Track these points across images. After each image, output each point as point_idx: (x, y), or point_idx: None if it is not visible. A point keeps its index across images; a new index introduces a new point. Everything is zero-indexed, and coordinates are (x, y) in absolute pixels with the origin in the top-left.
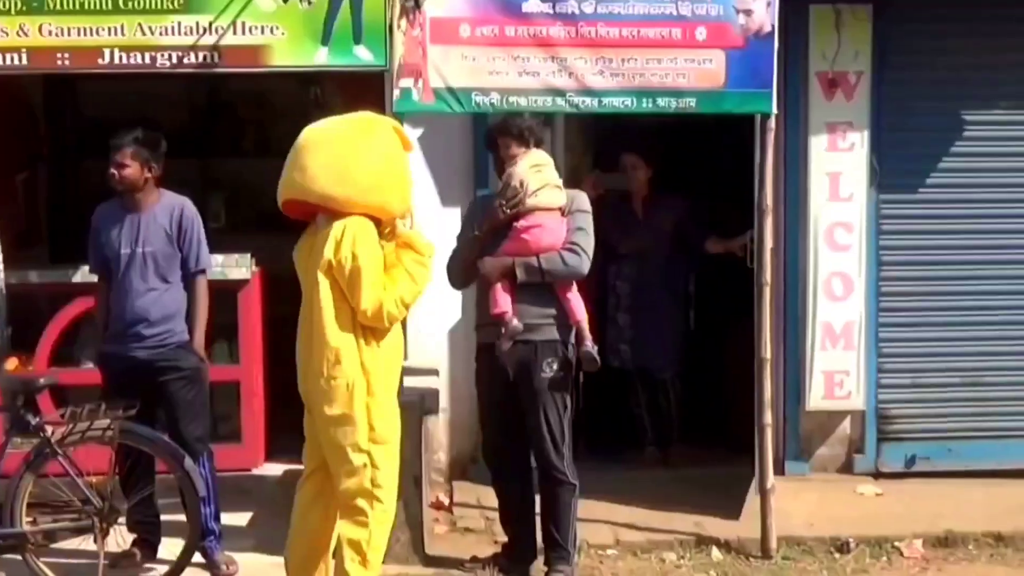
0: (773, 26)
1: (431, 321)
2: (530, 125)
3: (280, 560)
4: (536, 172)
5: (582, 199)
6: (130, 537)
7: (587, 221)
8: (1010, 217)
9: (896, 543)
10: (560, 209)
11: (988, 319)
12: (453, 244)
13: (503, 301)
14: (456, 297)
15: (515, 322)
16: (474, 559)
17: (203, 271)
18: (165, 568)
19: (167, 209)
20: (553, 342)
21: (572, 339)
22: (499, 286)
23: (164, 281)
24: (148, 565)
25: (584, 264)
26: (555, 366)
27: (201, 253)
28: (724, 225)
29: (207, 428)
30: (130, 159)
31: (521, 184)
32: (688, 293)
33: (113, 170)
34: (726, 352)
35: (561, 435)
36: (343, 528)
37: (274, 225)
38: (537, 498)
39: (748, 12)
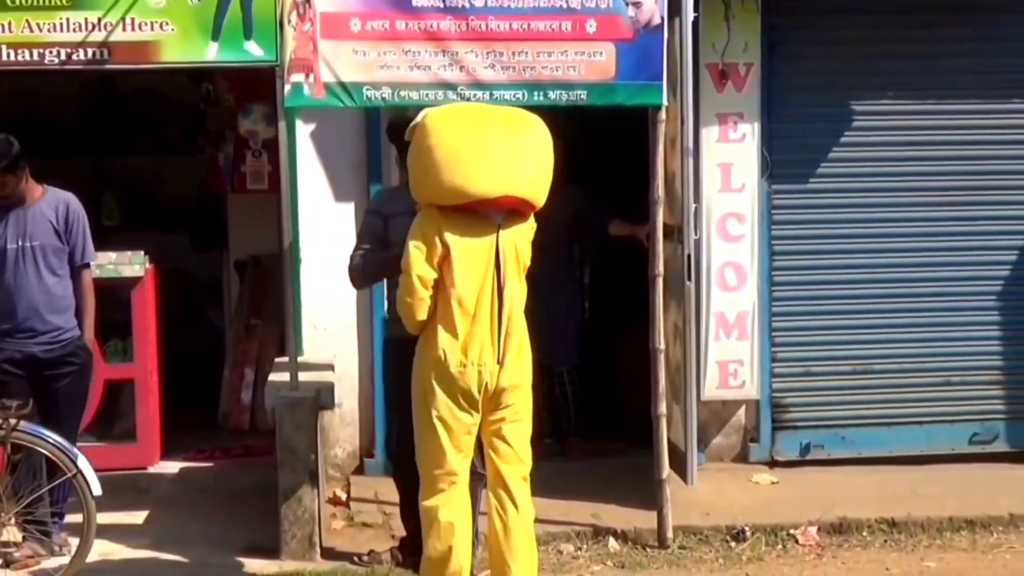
0: (662, 18)
1: (325, 315)
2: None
3: (174, 558)
4: None
5: None
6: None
7: None
8: (898, 205)
9: (791, 531)
10: None
11: (878, 307)
12: (350, 239)
13: None
14: (351, 293)
15: None
16: (371, 553)
17: (88, 265)
18: (57, 565)
19: (52, 204)
20: None
21: None
22: None
23: (53, 275)
24: (42, 564)
25: None
26: None
27: (87, 246)
28: (630, 215)
29: (80, 421)
30: (9, 176)
31: None
32: (583, 285)
33: None
34: (623, 343)
35: None
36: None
37: (167, 223)
38: None
39: (637, 5)
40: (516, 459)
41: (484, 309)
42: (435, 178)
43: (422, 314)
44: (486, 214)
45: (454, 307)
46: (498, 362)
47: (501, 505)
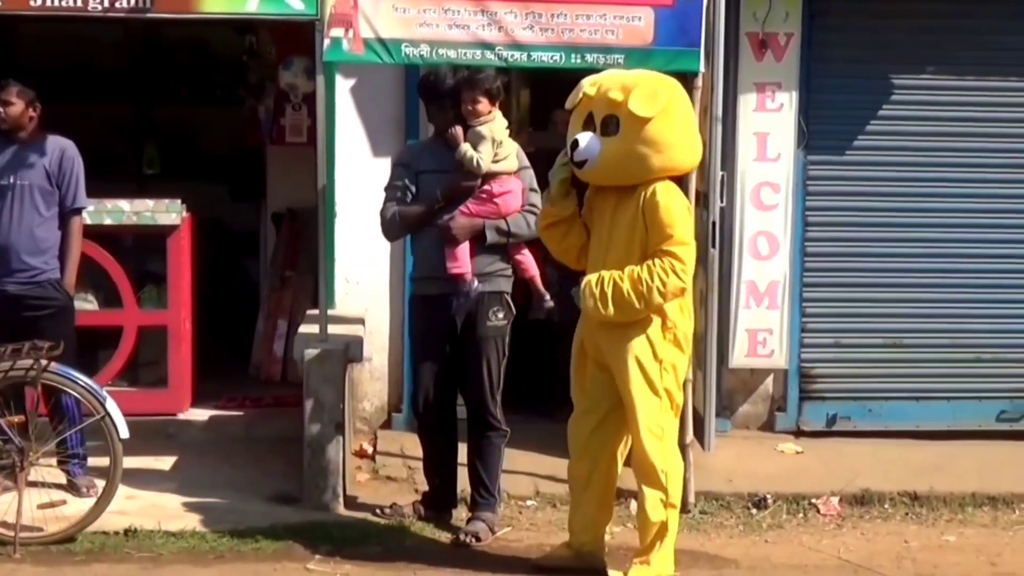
0: None
1: (359, 270)
2: (499, 83)
3: (199, 503)
4: (506, 133)
5: (523, 155)
6: (52, 475)
7: (534, 178)
8: (934, 181)
9: (813, 500)
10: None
11: (910, 281)
12: (382, 193)
13: (465, 261)
14: (384, 247)
15: (476, 283)
16: (394, 506)
17: (79, 210)
18: (83, 506)
19: (49, 148)
20: (499, 293)
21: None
22: (463, 246)
23: (39, 215)
24: (68, 504)
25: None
26: (500, 315)
27: (79, 192)
28: None
29: (75, 365)
30: (15, 97)
31: (495, 144)
32: None
33: None
34: None
35: (498, 382)
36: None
37: (206, 173)
38: (462, 448)
39: None
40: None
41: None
42: (698, 148)
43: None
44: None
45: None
46: None
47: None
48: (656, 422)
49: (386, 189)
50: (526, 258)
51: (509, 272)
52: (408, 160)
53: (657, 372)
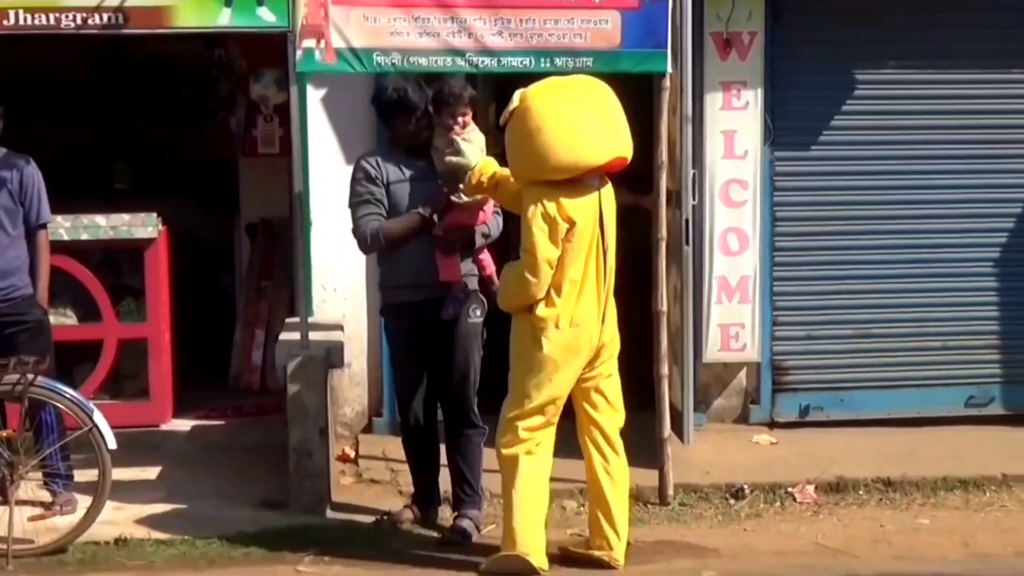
0: None
1: (336, 277)
2: (472, 91)
3: (186, 511)
4: (483, 140)
5: None
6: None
7: None
8: (899, 173)
9: (789, 489)
10: None
11: (877, 273)
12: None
13: (459, 266)
14: (359, 254)
15: (468, 286)
16: (389, 514)
17: (44, 225)
18: (71, 519)
19: (8, 166)
20: (476, 292)
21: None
22: (451, 253)
23: (6, 235)
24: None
25: None
26: (478, 313)
27: (42, 208)
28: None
29: (55, 378)
30: None
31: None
32: None
33: None
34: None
35: (477, 380)
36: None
37: (179, 187)
38: (442, 448)
39: None
40: (615, 411)
41: (592, 271)
42: (552, 156)
43: (543, 293)
44: (588, 180)
45: (565, 272)
46: (600, 320)
47: (604, 455)
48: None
49: (357, 204)
50: (486, 256)
51: (476, 271)
52: (375, 172)
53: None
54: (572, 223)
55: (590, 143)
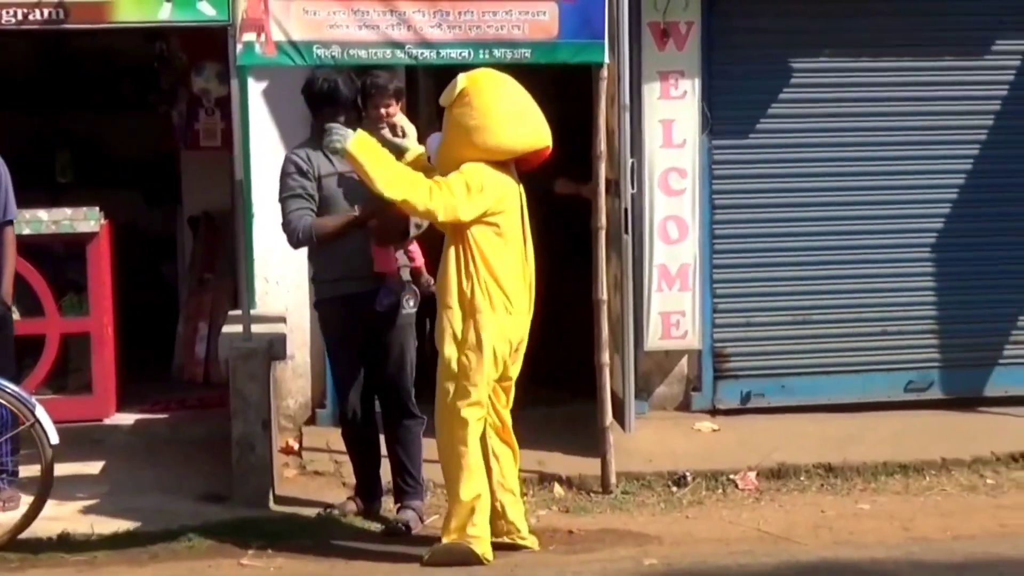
0: None
1: (278, 270)
2: (401, 83)
3: (130, 505)
4: (414, 131)
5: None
6: None
7: None
8: (836, 160)
9: (731, 476)
10: None
11: (817, 259)
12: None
13: (394, 257)
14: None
15: (400, 279)
16: (331, 507)
17: (10, 222)
18: (14, 515)
19: None
20: (409, 283)
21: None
22: (389, 245)
23: None
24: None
25: None
26: (411, 303)
27: (9, 204)
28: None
29: (12, 374)
30: None
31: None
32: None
33: None
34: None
35: (413, 371)
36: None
37: (121, 180)
38: (382, 439)
39: None
40: (508, 404)
41: (518, 258)
42: (498, 133)
43: (422, 212)
44: (512, 170)
45: (499, 257)
46: (528, 312)
47: (504, 448)
48: None
49: (287, 199)
50: (415, 248)
51: (408, 262)
52: (305, 167)
53: None
54: (499, 201)
55: (531, 127)
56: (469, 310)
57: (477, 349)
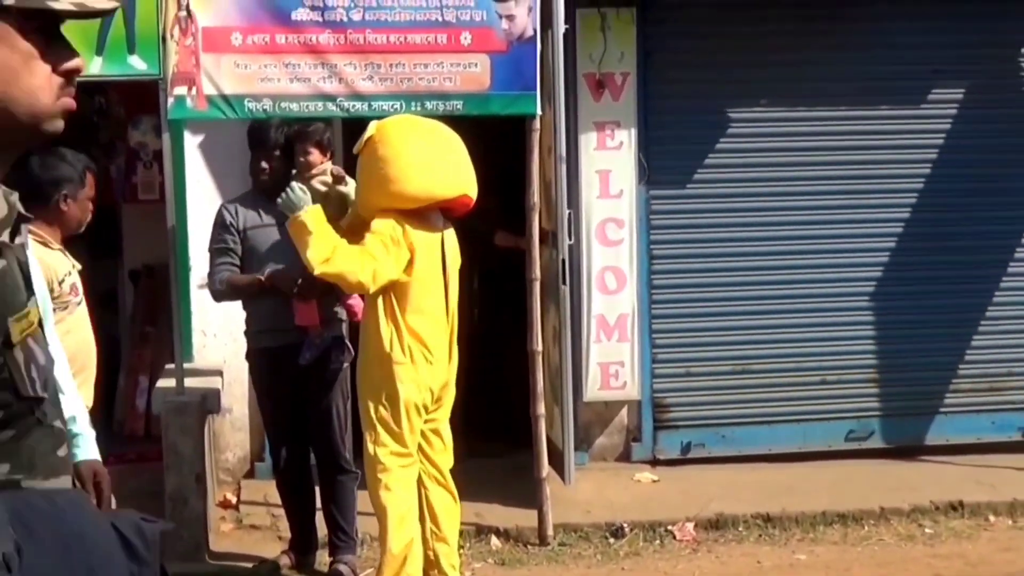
0: (535, 30)
1: (216, 323)
2: (329, 135)
3: None
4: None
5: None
6: None
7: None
8: (774, 210)
9: (669, 527)
10: None
11: (755, 309)
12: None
13: (315, 312)
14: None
15: (326, 333)
16: (264, 562)
17: None
18: None
19: None
20: (340, 337)
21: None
22: (308, 298)
23: None
24: None
25: None
26: (341, 358)
27: None
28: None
29: None
30: None
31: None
32: (473, 290)
33: None
34: (509, 348)
35: (346, 424)
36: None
37: None
38: (317, 492)
39: (511, 18)
40: (448, 451)
41: (438, 308)
42: (403, 182)
43: (356, 286)
44: (432, 217)
45: (417, 307)
46: (448, 359)
47: (440, 496)
48: None
49: (212, 252)
50: (357, 302)
51: (344, 315)
52: (231, 220)
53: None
54: (413, 252)
55: (440, 176)
56: (387, 360)
57: (395, 400)
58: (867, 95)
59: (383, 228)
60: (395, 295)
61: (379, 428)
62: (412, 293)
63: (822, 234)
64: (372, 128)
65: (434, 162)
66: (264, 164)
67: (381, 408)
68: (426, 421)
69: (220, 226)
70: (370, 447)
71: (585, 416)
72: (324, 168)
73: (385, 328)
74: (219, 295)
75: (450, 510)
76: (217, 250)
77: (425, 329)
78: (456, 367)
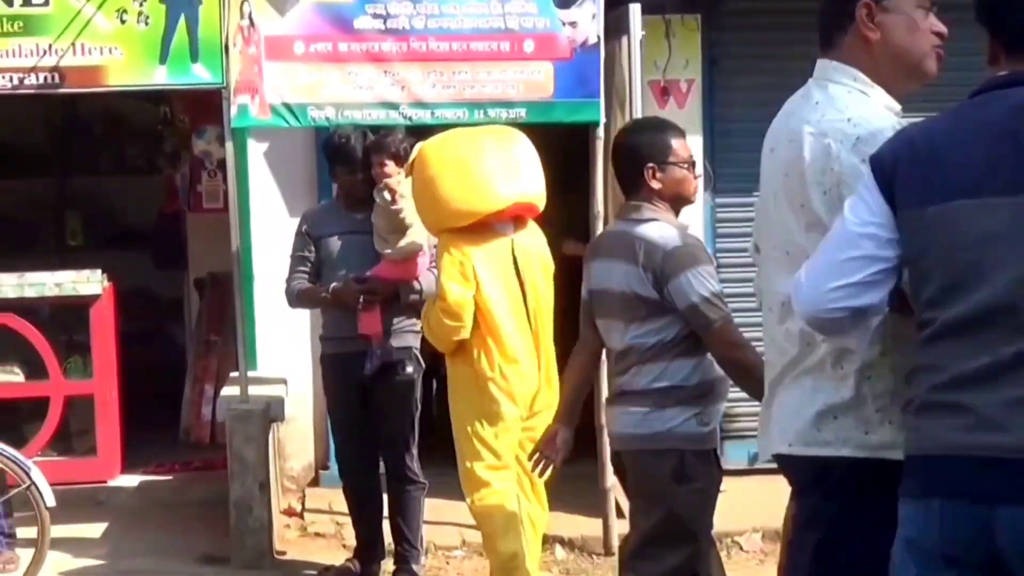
0: (599, 37)
1: (280, 331)
2: (406, 145)
3: (127, 568)
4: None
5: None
6: None
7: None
8: None
9: (736, 537)
10: None
11: None
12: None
13: (376, 322)
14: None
15: (387, 343)
16: (330, 568)
17: None
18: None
19: None
20: (408, 348)
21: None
22: (371, 308)
23: None
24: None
25: None
26: (409, 369)
27: None
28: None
29: None
30: None
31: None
32: None
33: None
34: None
35: (413, 435)
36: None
37: (130, 242)
38: (385, 499)
39: (574, 25)
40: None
41: (519, 317)
42: (447, 204)
43: (461, 334)
44: (499, 227)
45: (496, 319)
46: (538, 367)
47: (541, 508)
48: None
49: (291, 259)
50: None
51: (418, 327)
52: (307, 228)
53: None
54: (477, 278)
55: (484, 190)
56: (476, 376)
57: (490, 415)
58: (934, 101)
59: (447, 262)
60: (477, 306)
61: (475, 443)
62: (487, 308)
63: None
64: (415, 150)
65: (475, 178)
66: (344, 177)
67: (477, 424)
68: (523, 430)
69: (297, 234)
70: (467, 463)
71: None
72: (397, 180)
73: (470, 344)
74: (292, 303)
75: (538, 519)
76: (294, 258)
77: (509, 339)
78: (554, 370)
